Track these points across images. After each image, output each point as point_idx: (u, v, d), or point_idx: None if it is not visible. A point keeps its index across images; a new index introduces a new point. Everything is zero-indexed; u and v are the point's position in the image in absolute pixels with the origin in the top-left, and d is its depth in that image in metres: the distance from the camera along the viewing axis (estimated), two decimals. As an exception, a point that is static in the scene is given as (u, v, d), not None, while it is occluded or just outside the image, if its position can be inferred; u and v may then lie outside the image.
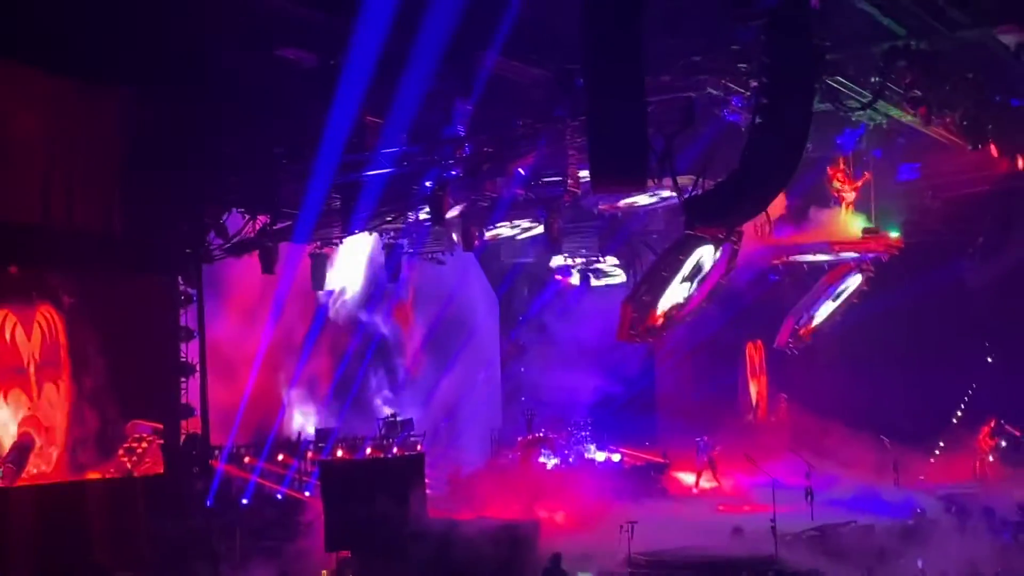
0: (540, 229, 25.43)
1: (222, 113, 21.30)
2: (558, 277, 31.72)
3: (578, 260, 30.20)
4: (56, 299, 20.36)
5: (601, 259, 30.26)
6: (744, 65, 18.51)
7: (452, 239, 26.64)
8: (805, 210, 27.40)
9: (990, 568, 17.84)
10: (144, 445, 21.40)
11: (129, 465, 21.16)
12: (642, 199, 25.19)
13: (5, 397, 19.63)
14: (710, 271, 22.90)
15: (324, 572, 21.09)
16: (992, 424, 30.28)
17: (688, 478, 29.88)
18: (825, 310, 31.52)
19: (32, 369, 19.91)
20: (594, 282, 31.11)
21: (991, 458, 30.01)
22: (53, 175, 20.33)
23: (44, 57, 19.35)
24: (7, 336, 19.64)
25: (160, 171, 21.44)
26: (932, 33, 17.90)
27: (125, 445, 21.13)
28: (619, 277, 30.95)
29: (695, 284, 22.92)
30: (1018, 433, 29.98)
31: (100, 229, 21.17)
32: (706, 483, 29.46)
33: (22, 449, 19.80)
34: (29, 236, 19.99)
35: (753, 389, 35.69)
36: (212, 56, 19.88)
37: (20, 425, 19.77)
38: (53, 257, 20.34)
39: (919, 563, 17.80)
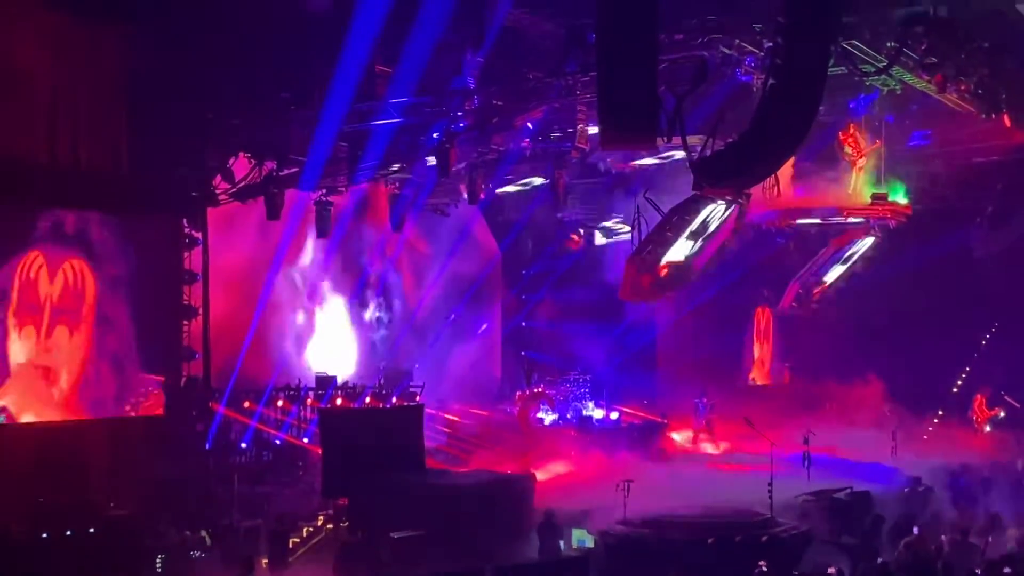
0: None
1: (230, 55, 21.13)
2: (573, 236, 31.65)
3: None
4: (92, 254, 20.58)
5: (608, 219, 30.21)
6: (759, 25, 18.34)
7: (458, 191, 26.54)
8: (815, 173, 27.24)
9: (983, 537, 17.86)
10: (151, 399, 21.65)
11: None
12: (650, 158, 25.07)
13: (19, 332, 19.76)
14: (716, 231, 22.84)
15: (321, 518, 21.23)
16: (986, 394, 30.32)
17: (683, 437, 29.98)
18: (831, 276, 31.46)
19: (48, 309, 19.99)
20: (599, 240, 31.04)
21: (987, 428, 30.06)
22: (58, 113, 20.19)
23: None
24: (31, 274, 19.87)
25: (166, 112, 21.30)
26: (951, 0, 17.71)
27: (132, 399, 21.34)
28: (625, 235, 30.89)
29: (699, 242, 22.85)
30: (1018, 404, 30.00)
31: (107, 168, 21.05)
32: (704, 445, 29.53)
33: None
34: (36, 174, 19.88)
35: (757, 352, 35.70)
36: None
37: (28, 366, 19.84)
38: (60, 196, 20.26)
39: (915, 530, 17.81)
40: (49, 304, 20.08)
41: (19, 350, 19.83)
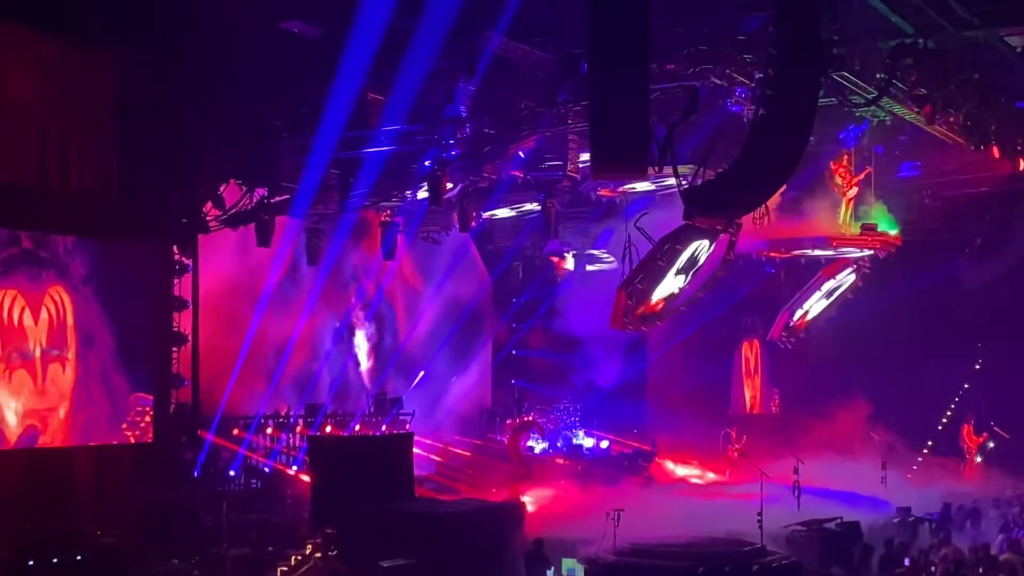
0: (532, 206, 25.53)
1: (222, 81, 21.13)
2: (553, 259, 31.67)
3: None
4: (66, 273, 20.26)
5: (596, 247, 30.25)
6: (749, 56, 18.42)
7: (450, 219, 26.56)
8: (804, 204, 27.32)
9: (974, 568, 17.84)
10: (147, 419, 21.51)
11: (132, 439, 21.28)
12: (640, 185, 25.11)
13: (10, 378, 19.54)
14: (704, 264, 22.91)
15: (309, 546, 21.11)
16: (971, 422, 30.38)
17: (673, 466, 29.98)
18: (819, 305, 31.50)
19: (38, 354, 19.84)
20: (587, 267, 31.05)
21: (978, 458, 30.08)
22: (48, 137, 20.10)
23: (37, 16, 19.07)
24: (15, 320, 19.56)
25: (157, 137, 21.31)
26: (940, 32, 17.82)
27: (129, 418, 21.18)
28: (611, 263, 30.92)
29: (689, 276, 22.94)
30: (1007, 435, 30.05)
31: (97, 194, 21.01)
32: (692, 475, 29.53)
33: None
34: (26, 199, 19.83)
35: (746, 382, 35.71)
36: (212, 23, 19.74)
37: (24, 416, 19.69)
38: (50, 221, 20.20)
39: (906, 561, 17.80)
40: (39, 348, 19.85)
41: (7, 396, 19.53)
